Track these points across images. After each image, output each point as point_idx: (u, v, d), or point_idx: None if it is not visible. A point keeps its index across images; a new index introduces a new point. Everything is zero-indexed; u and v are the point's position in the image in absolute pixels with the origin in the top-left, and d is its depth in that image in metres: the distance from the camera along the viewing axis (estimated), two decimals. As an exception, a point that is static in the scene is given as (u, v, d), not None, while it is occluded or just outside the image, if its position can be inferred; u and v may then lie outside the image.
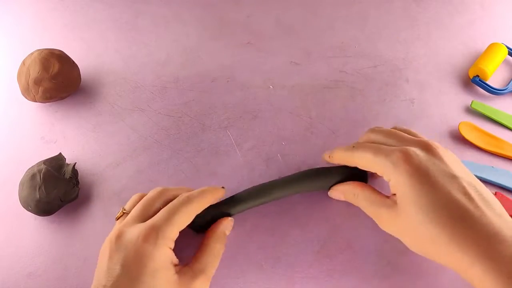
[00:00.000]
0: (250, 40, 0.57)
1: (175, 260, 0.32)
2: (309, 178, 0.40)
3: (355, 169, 0.37)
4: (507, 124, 0.47)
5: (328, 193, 0.40)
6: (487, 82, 0.51)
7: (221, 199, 0.38)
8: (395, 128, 0.38)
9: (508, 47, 0.54)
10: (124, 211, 0.35)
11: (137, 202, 0.36)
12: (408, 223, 0.30)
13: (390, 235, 0.34)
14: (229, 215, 0.38)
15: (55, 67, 0.48)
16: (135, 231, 0.31)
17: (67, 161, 0.44)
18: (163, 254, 0.30)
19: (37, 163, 0.43)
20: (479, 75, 0.51)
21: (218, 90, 0.52)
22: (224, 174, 0.44)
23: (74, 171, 0.43)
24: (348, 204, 0.42)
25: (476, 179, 0.32)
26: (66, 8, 0.63)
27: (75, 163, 0.43)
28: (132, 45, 0.58)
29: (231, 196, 0.39)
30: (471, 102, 0.49)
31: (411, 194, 0.30)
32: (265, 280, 0.38)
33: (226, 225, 0.36)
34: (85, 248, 0.40)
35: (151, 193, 0.36)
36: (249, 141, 0.47)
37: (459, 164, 0.32)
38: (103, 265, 0.30)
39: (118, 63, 0.55)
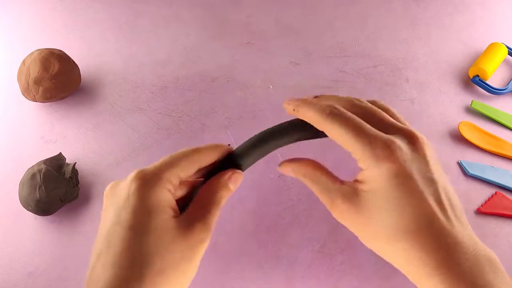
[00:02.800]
0: (250, 40, 0.57)
1: (174, 206, 0.27)
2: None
3: None
4: (507, 124, 0.47)
5: (278, 168, 0.34)
6: (487, 82, 0.51)
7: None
8: (374, 102, 0.33)
9: (508, 47, 0.54)
10: None
11: None
12: (369, 220, 0.28)
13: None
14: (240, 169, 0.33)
15: (55, 67, 0.48)
16: (129, 176, 0.26)
17: (67, 161, 0.44)
18: (159, 195, 0.26)
19: (37, 163, 0.43)
20: (479, 75, 0.51)
21: (218, 90, 0.52)
22: (224, 174, 0.44)
23: (74, 171, 0.43)
24: (348, 204, 0.42)
25: (448, 182, 0.30)
26: (66, 8, 0.63)
27: (75, 162, 0.43)
28: (132, 45, 0.58)
29: (236, 149, 0.33)
30: (471, 102, 0.49)
31: (385, 195, 0.28)
32: (265, 280, 0.38)
33: (232, 176, 0.31)
34: (85, 248, 0.40)
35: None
36: (249, 141, 0.47)
37: (437, 164, 0.30)
38: (101, 220, 0.26)
39: (118, 63, 0.55)
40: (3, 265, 0.40)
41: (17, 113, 0.51)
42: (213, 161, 0.31)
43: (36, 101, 0.49)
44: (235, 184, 0.31)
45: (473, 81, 0.51)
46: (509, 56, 0.55)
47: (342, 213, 0.29)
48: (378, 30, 0.58)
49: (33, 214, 0.42)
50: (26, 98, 0.49)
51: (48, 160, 0.42)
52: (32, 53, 0.49)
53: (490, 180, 0.43)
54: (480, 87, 0.51)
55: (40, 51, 0.49)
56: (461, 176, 0.44)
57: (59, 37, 0.60)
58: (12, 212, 0.43)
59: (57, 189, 0.40)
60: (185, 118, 0.49)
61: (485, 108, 0.48)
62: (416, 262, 0.26)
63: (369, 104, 0.32)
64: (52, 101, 0.50)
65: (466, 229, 0.27)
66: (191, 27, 0.60)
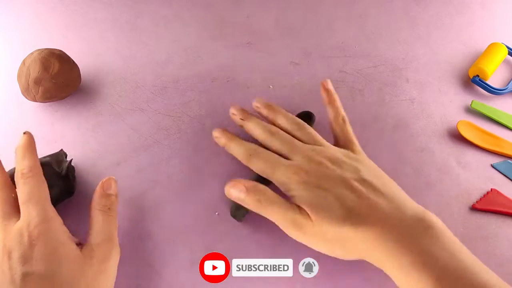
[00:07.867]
0: (250, 40, 0.57)
1: (72, 237, 0.34)
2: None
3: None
4: (507, 124, 0.47)
5: (225, 189, 0.38)
6: (487, 82, 0.51)
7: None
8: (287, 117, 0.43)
9: (508, 47, 0.54)
10: None
11: None
12: (321, 231, 0.33)
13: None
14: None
15: (55, 67, 0.48)
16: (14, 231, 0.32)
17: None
18: (56, 232, 0.32)
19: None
20: (479, 75, 0.51)
21: (218, 90, 0.52)
22: (224, 174, 0.44)
23: (71, 168, 0.43)
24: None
25: (376, 173, 0.35)
26: (66, 8, 0.63)
27: (71, 159, 0.43)
28: (132, 45, 0.58)
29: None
30: (471, 102, 0.49)
31: (312, 204, 0.33)
32: (265, 280, 0.38)
33: (104, 184, 0.37)
34: (85, 248, 0.40)
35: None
36: (249, 141, 0.47)
37: (352, 163, 0.35)
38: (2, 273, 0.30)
39: (118, 63, 0.55)
40: (3, 265, 0.40)
41: (17, 113, 0.51)
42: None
43: (36, 101, 0.49)
44: (110, 187, 0.37)
45: (473, 81, 0.51)
46: (509, 56, 0.55)
47: (303, 231, 0.34)
48: (378, 30, 0.58)
49: (33, 214, 0.42)
50: (26, 98, 0.49)
51: (48, 156, 0.42)
52: (32, 53, 0.49)
53: None
54: (480, 87, 0.51)
55: (40, 51, 0.49)
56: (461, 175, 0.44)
57: (59, 37, 0.60)
58: (12, 212, 0.43)
59: (52, 187, 0.40)
60: (185, 118, 0.49)
61: (485, 108, 0.48)
62: (361, 244, 0.31)
63: (286, 135, 0.40)
64: (52, 101, 0.50)
65: (392, 202, 0.32)
66: (191, 27, 0.60)
